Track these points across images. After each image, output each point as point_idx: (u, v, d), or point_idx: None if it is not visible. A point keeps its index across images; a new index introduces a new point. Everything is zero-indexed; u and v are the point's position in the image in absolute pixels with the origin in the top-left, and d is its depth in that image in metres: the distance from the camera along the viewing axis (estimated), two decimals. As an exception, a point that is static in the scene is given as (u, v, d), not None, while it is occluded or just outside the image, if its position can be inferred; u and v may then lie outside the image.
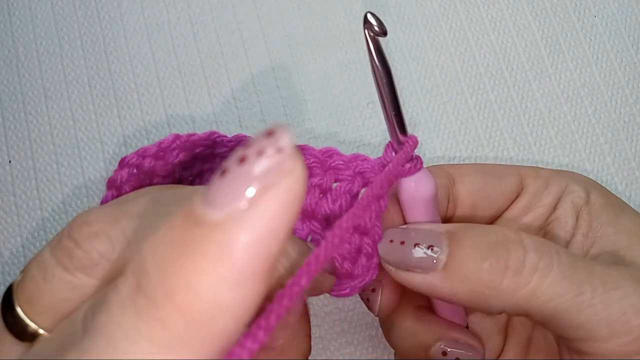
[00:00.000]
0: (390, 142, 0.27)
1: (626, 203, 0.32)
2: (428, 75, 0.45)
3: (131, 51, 0.46)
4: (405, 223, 0.28)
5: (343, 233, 0.17)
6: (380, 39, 0.25)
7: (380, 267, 0.28)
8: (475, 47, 0.45)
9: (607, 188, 0.33)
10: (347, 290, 0.27)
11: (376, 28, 0.24)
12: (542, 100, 0.44)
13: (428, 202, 0.27)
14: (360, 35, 0.46)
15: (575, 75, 0.44)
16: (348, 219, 0.18)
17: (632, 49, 0.45)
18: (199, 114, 0.43)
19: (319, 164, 0.28)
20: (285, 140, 0.14)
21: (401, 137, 0.26)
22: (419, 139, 0.27)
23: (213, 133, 0.28)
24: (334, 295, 0.27)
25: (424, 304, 0.32)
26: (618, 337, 0.23)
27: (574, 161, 0.42)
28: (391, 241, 0.26)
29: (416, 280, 0.25)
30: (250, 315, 0.14)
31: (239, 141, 0.29)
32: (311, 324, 0.40)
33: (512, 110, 0.44)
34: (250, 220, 0.13)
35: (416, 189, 0.27)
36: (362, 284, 0.27)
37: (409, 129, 0.27)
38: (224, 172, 0.14)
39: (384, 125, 0.38)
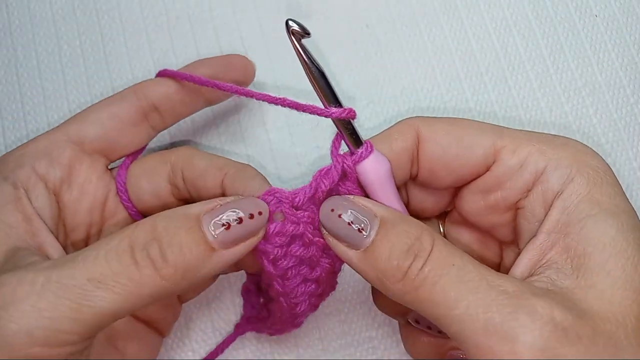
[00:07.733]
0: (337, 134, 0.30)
1: (616, 196, 0.28)
2: (428, 75, 0.45)
3: (130, 51, 0.46)
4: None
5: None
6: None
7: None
8: (476, 46, 0.45)
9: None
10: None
11: (299, 30, 0.27)
12: (544, 100, 0.44)
13: (383, 182, 0.30)
14: (361, 35, 0.46)
15: (577, 75, 0.44)
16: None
17: (634, 48, 0.44)
18: (197, 114, 0.42)
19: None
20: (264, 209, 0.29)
21: (339, 109, 0.29)
22: (356, 112, 0.30)
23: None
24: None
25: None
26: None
27: (575, 161, 0.42)
28: (332, 210, 0.29)
29: (339, 249, 0.29)
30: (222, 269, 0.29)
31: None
32: (311, 325, 0.40)
33: (513, 110, 0.44)
34: (229, 250, 0.28)
35: (370, 171, 0.29)
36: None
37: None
38: (239, 220, 0.28)
39: (384, 125, 0.38)
